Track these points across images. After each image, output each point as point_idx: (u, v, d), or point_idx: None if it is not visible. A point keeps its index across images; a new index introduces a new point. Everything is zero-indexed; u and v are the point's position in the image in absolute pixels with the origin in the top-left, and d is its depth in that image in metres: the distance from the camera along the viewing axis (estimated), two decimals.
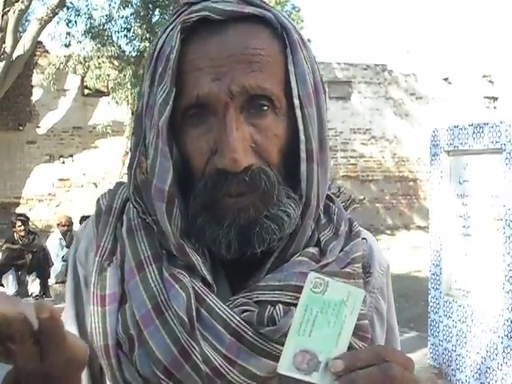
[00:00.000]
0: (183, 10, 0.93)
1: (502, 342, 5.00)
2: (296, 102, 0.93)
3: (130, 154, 1.00)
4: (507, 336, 4.94)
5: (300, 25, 29.71)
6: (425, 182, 20.93)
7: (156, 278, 0.91)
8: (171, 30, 0.92)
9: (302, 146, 0.93)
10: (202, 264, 0.93)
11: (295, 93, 0.93)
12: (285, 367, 0.75)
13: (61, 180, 19.06)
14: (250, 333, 0.87)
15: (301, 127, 0.93)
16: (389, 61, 22.07)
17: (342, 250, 1.00)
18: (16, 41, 17.13)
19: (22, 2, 16.59)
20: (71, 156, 19.41)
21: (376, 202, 21.67)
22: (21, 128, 19.14)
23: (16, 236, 10.92)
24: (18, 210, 17.06)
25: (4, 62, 16.86)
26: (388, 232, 20.48)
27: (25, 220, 11.27)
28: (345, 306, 0.78)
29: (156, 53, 0.93)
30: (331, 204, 1.06)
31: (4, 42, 16.68)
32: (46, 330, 0.64)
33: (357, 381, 0.72)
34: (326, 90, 1.02)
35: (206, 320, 0.88)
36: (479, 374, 5.27)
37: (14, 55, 17.17)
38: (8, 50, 16.83)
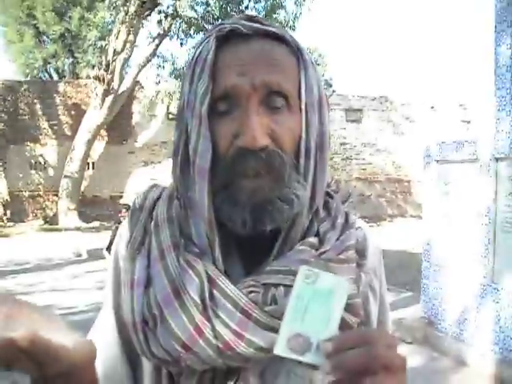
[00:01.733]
0: (216, 27, 0.86)
1: (475, 300, 4.99)
2: (302, 106, 0.83)
3: (174, 144, 0.88)
4: (480, 296, 4.94)
5: (324, 68, 29.59)
6: (416, 183, 20.71)
7: (175, 265, 0.81)
8: (206, 41, 0.84)
9: (302, 143, 0.83)
10: (217, 244, 0.82)
11: (303, 99, 0.83)
12: (280, 349, 0.66)
13: (152, 179, 19.28)
14: (256, 311, 0.77)
15: (303, 127, 0.83)
16: (390, 91, 21.80)
17: (337, 239, 0.88)
18: (121, 80, 17.51)
19: (126, 53, 16.91)
20: (159, 162, 19.56)
21: (379, 197, 21.57)
22: (123, 142, 19.43)
23: (122, 219, 11.08)
24: (122, 201, 17.31)
25: (112, 95, 17.23)
26: (388, 219, 20.30)
27: (128, 207, 11.44)
28: (333, 294, 0.69)
29: (194, 59, 0.84)
30: (330, 200, 0.94)
31: (113, 81, 17.04)
32: (31, 353, 0.57)
33: (345, 360, 0.64)
34: (329, 105, 0.91)
35: (218, 300, 0.78)
36: (458, 323, 5.25)
37: (120, 91, 17.55)
38: (115, 87, 17.21)
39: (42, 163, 18.78)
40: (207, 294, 0.78)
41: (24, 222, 18.08)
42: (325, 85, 30.00)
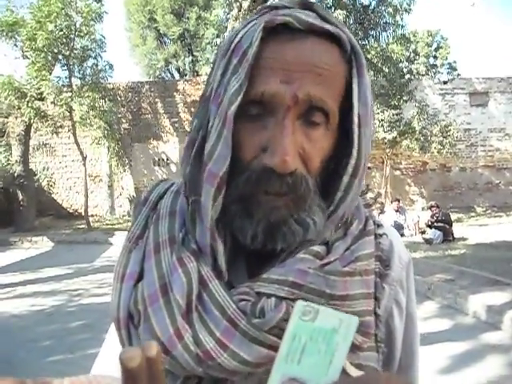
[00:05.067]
0: (266, 11, 0.75)
1: None
2: (355, 119, 0.75)
3: (189, 135, 0.81)
4: None
5: (447, 50, 28.34)
6: None
7: (168, 260, 0.76)
8: (252, 27, 0.74)
9: (352, 161, 0.75)
10: (221, 250, 0.76)
11: (356, 111, 0.75)
12: None
13: None
14: (243, 321, 0.70)
15: (355, 144, 0.75)
16: None
17: (348, 248, 0.79)
18: None
19: None
20: None
21: (509, 185, 20.22)
22: None
23: None
24: None
25: None
26: None
27: None
28: (336, 334, 0.59)
29: (234, 44, 0.75)
30: None
31: None
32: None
33: None
34: (374, 115, 0.80)
35: (206, 304, 0.73)
36: None
37: None
38: None
39: (165, 160, 19.59)
40: (194, 297, 0.73)
41: None
42: (449, 68, 28.92)
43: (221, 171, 0.71)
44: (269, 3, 0.77)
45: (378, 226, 0.87)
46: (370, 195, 0.93)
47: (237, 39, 0.75)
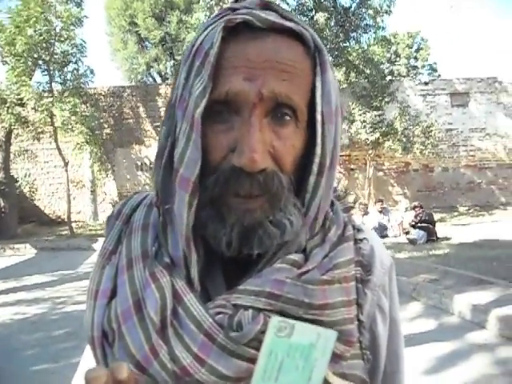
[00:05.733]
0: (226, 13, 0.74)
1: None
2: (319, 117, 0.73)
3: (158, 145, 0.78)
4: None
5: (427, 51, 28.61)
6: None
7: (141, 276, 0.74)
8: (212, 29, 0.72)
9: (316, 160, 0.73)
10: (195, 261, 0.73)
11: (319, 109, 0.73)
12: None
13: None
14: (221, 335, 0.68)
15: (319, 141, 0.73)
16: (499, 72, 20.61)
17: (326, 255, 0.76)
18: None
19: None
20: None
21: (491, 184, 20.42)
22: None
23: None
24: None
25: None
26: (501, 208, 19.14)
27: None
28: (314, 349, 0.57)
29: (195, 48, 0.73)
30: (329, 208, 0.82)
31: None
32: None
33: None
34: (343, 113, 0.80)
35: (181, 318, 0.70)
36: None
37: None
38: None
39: (148, 164, 19.49)
40: (169, 312, 0.70)
41: None
42: (429, 69, 29.23)
43: (193, 175, 0.70)
44: (228, 5, 0.76)
45: (358, 230, 0.85)
46: (349, 199, 0.91)
47: (198, 42, 0.73)
